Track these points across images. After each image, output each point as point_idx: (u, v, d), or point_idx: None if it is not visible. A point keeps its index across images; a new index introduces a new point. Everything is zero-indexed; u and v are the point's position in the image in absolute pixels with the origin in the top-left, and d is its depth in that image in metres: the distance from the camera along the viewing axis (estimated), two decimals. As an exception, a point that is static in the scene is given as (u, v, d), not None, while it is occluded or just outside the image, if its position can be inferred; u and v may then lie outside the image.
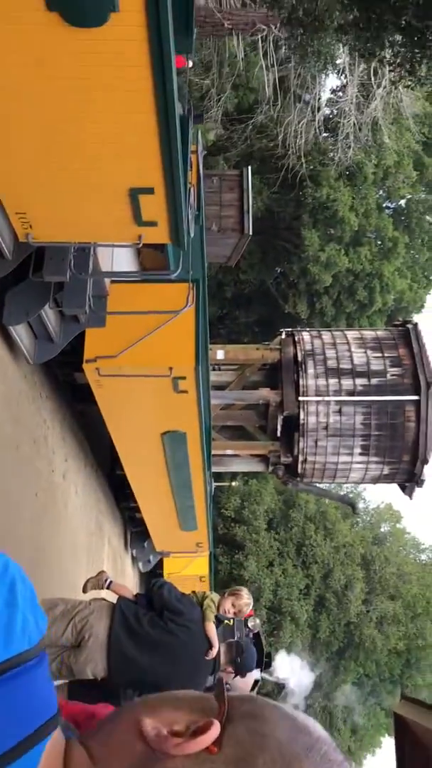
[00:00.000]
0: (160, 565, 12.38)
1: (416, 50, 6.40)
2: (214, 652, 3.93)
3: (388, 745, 26.64)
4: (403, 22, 5.96)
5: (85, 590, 4.19)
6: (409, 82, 7.09)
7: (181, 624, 3.88)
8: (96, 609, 3.94)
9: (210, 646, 3.91)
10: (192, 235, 4.85)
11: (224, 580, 22.44)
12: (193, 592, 4.18)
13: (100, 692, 4.07)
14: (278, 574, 23.26)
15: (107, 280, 5.43)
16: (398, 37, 7.08)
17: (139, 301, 5.57)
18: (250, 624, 15.28)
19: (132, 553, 11.74)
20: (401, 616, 24.41)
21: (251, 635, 15.30)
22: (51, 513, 6.71)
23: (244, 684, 4.26)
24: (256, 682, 15.80)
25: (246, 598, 4.26)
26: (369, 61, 7.60)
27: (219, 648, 3.99)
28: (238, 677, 4.17)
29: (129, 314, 5.46)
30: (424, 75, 6.76)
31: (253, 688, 15.57)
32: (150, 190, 3.61)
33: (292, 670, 19.29)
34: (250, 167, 12.76)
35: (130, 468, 7.72)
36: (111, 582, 4.12)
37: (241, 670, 4.15)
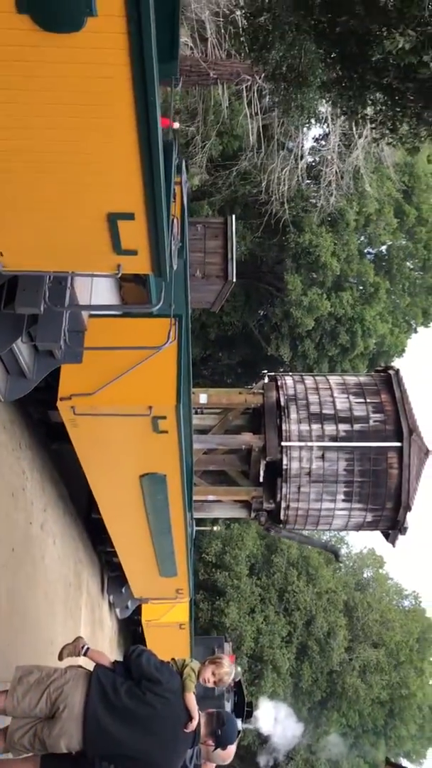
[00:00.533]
0: (138, 611, 11.97)
1: (397, 110, 6.52)
2: (193, 725, 3.75)
3: (371, 798, 25.97)
4: (385, 82, 6.07)
5: (60, 657, 4.01)
6: (391, 140, 7.21)
7: (160, 694, 3.70)
8: (72, 678, 3.76)
9: (190, 718, 3.75)
10: (175, 267, 4.61)
11: (205, 627, 22.01)
12: (173, 659, 4.02)
13: (73, 765, 3.87)
14: (260, 621, 22.87)
15: (85, 314, 5.18)
16: (380, 95, 7.22)
17: (118, 336, 5.29)
18: (230, 673, 15.11)
19: (109, 599, 11.36)
20: (384, 664, 24.03)
21: (232, 684, 14.95)
22: (28, 567, 6.51)
23: (225, 755, 4.07)
24: (237, 732, 15.50)
25: (227, 667, 4.10)
26: (351, 119, 7.72)
27: (199, 719, 3.82)
28: (219, 749, 3.99)
29: (107, 350, 5.17)
30: (405, 134, 6.88)
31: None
32: (130, 216, 3.34)
33: (276, 721, 18.87)
34: (234, 215, 12.90)
35: (107, 512, 7.30)
36: (88, 649, 3.95)
37: (221, 743, 3.97)
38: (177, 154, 5.44)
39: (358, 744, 24.77)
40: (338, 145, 16.42)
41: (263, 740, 21.65)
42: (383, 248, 21.44)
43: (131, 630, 13.89)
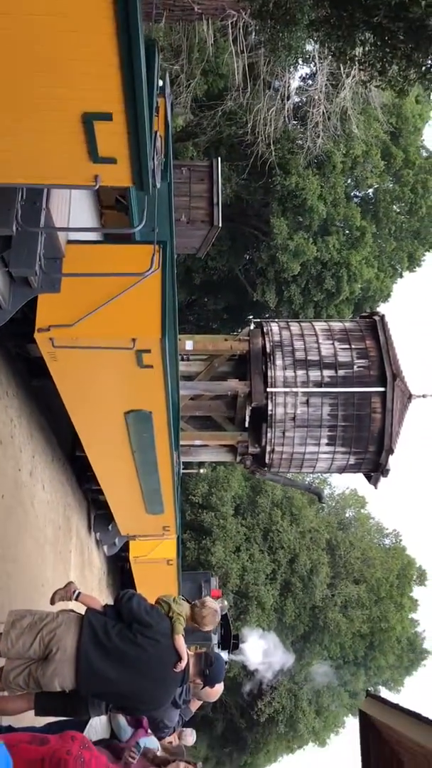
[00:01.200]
0: (125, 548, 11.88)
1: (387, 50, 6.38)
2: (182, 665, 3.95)
3: (351, 724, 27.23)
4: (375, 21, 5.93)
5: (53, 602, 4.17)
6: (379, 82, 7.07)
7: (150, 637, 3.88)
8: (64, 622, 3.92)
9: (179, 659, 3.94)
10: (158, 185, 4.31)
11: (192, 566, 22.59)
12: (159, 599, 4.18)
13: (67, 702, 4.08)
14: (245, 559, 23.47)
15: (63, 241, 4.84)
16: (369, 36, 7.06)
17: (98, 264, 4.96)
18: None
19: (96, 536, 11.33)
20: (365, 599, 24.85)
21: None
22: (18, 513, 6.66)
23: (212, 693, 4.30)
24: (224, 670, 16.07)
25: (210, 605, 4.29)
26: (340, 60, 7.54)
27: (188, 660, 4.02)
28: (207, 687, 4.21)
29: (86, 276, 4.85)
30: (394, 76, 6.75)
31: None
32: (107, 116, 2.99)
33: (263, 651, 19.49)
34: (219, 157, 12.68)
35: (91, 449, 7.04)
36: (79, 593, 4.11)
37: (209, 682, 4.18)
38: (159, 58, 4.97)
39: (339, 674, 25.82)
40: (325, 85, 16.06)
41: (249, 671, 22.50)
42: (370, 191, 21.20)
43: (119, 566, 13.90)
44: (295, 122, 18.25)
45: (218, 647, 15.41)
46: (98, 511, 10.73)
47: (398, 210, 21.33)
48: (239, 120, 17.55)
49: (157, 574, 11.84)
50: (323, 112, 16.64)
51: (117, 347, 4.85)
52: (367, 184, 20.23)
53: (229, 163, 18.24)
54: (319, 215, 18.50)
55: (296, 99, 17.95)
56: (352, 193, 20.87)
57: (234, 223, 19.71)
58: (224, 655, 15.93)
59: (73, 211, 5.05)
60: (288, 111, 16.99)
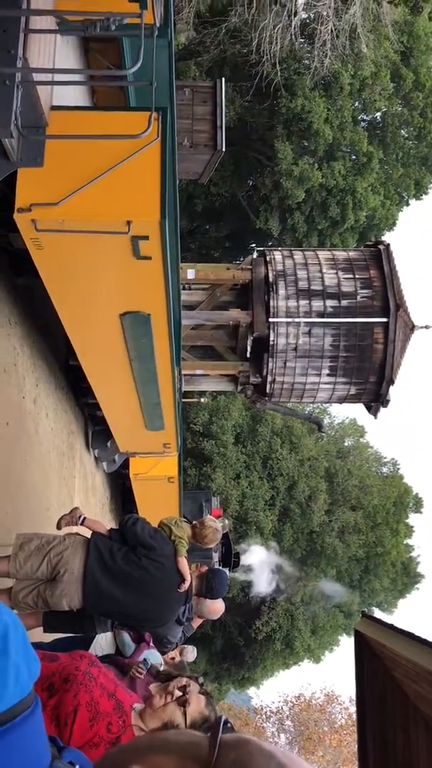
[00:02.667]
0: (125, 464, 11.49)
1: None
2: (186, 586, 4.11)
3: (345, 643, 28.37)
4: None
5: (59, 527, 4.30)
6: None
7: (154, 559, 4.02)
8: (70, 545, 4.06)
9: (182, 580, 4.09)
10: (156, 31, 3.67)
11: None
12: (161, 523, 4.31)
13: (75, 620, 4.26)
14: (244, 486, 23.93)
15: (46, 107, 4.13)
16: None
17: (86, 132, 4.27)
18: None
19: (94, 453, 10.89)
20: (362, 525, 25.46)
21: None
22: (23, 440, 6.76)
23: (215, 609, 4.49)
24: (226, 586, 16.59)
25: (210, 524, 4.42)
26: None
27: (191, 579, 4.18)
28: (209, 604, 4.39)
29: (73, 139, 4.20)
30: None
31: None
32: None
33: (264, 564, 20.06)
34: (223, 78, 12.25)
35: (85, 357, 6.42)
36: (84, 518, 4.23)
37: (213, 596, 4.37)
38: None
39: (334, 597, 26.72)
40: (335, 0, 15.33)
41: (250, 582, 23.26)
42: (378, 115, 20.56)
43: (120, 484, 13.68)
44: (302, 41, 17.54)
45: (219, 565, 15.77)
46: (96, 427, 10.28)
47: (406, 135, 20.75)
48: (244, 38, 16.85)
49: (158, 492, 11.58)
50: (332, 30, 15.96)
51: (109, 231, 4.20)
52: (375, 107, 19.62)
53: (233, 84, 17.64)
54: (325, 139, 18.01)
55: (303, 15, 17.17)
56: (359, 117, 20.26)
57: (237, 147, 19.19)
58: (227, 574, 16.43)
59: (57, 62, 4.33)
60: (295, 28, 16.27)
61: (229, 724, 0.85)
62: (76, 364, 6.79)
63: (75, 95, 5.36)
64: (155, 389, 7.10)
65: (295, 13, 15.67)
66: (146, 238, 4.25)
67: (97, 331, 5.78)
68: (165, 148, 4.28)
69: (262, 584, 21.23)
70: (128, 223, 4.15)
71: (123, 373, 6.52)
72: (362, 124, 20.43)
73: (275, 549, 23.12)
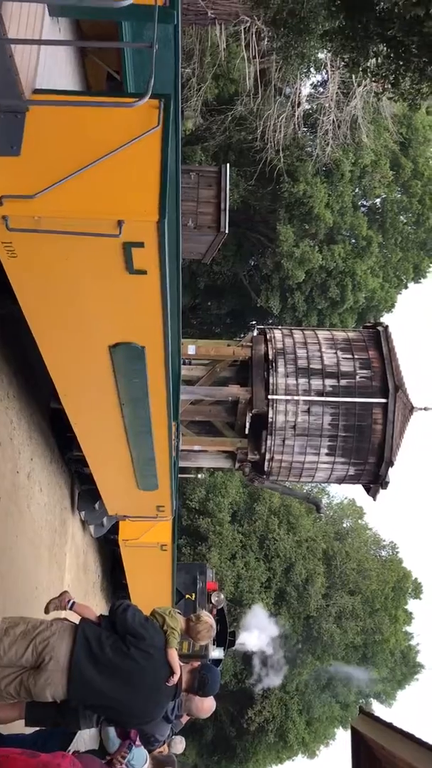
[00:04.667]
0: (115, 529, 10.45)
1: (400, 63, 6.34)
2: (175, 679, 3.90)
3: (341, 737, 27.11)
4: (389, 34, 5.89)
5: (47, 611, 4.11)
6: (392, 95, 7.04)
7: (144, 649, 3.83)
8: (58, 631, 3.87)
9: (172, 673, 3.88)
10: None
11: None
12: (154, 612, 4.12)
13: (58, 712, 4.01)
14: (240, 567, 23.40)
15: (27, 89, 3.65)
16: (383, 48, 7.02)
17: (77, 126, 3.60)
18: (213, 599, 15.25)
19: (80, 516, 9.97)
20: (360, 611, 24.76)
21: (215, 611, 15.15)
22: (14, 515, 6.60)
23: (205, 708, 4.25)
24: (218, 661, 15.83)
25: (206, 620, 4.24)
26: (353, 71, 7.50)
27: (181, 674, 3.96)
28: (198, 702, 4.16)
29: (57, 106, 3.62)
30: (407, 89, 6.72)
31: (216, 666, 15.52)
32: None
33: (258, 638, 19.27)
34: (228, 164, 12.64)
35: (68, 398, 5.41)
36: (74, 603, 4.05)
37: (204, 696, 4.14)
38: None
39: (332, 686, 25.72)
40: (336, 93, 16.05)
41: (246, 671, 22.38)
42: (377, 201, 21.19)
43: (109, 550, 12.54)
44: (304, 129, 18.26)
45: (213, 644, 15.02)
46: (83, 486, 9.39)
47: (405, 221, 21.32)
48: (249, 125, 17.54)
49: (149, 561, 10.64)
50: (333, 120, 16.63)
51: (96, 233, 3.43)
52: (374, 193, 20.23)
53: (238, 169, 18.24)
54: (326, 223, 18.48)
55: (307, 106, 17.95)
56: (359, 203, 20.86)
57: (240, 228, 19.68)
58: (219, 652, 15.66)
59: (46, 62, 3.88)
60: (298, 118, 16.98)
61: None
62: (59, 407, 5.75)
63: (64, 71, 4.64)
64: (149, 441, 6.12)
65: (299, 104, 16.37)
66: (141, 245, 3.53)
67: (83, 367, 4.87)
68: (166, 138, 3.60)
69: (261, 643, 20.36)
70: (119, 223, 3.40)
71: (112, 420, 5.57)
72: (362, 209, 21.02)
73: (274, 619, 22.34)
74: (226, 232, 12.03)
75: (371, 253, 19.82)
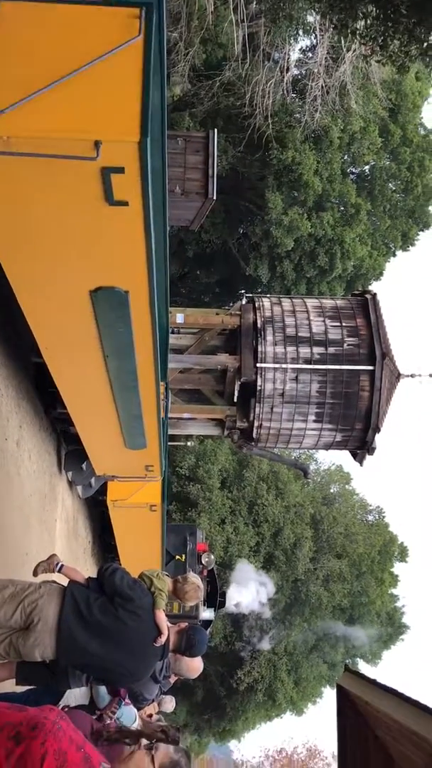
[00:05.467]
0: (103, 490, 10.15)
1: (389, 24, 6.29)
2: (162, 639, 4.02)
3: (328, 695, 27.79)
4: (377, -5, 5.84)
5: (35, 573, 4.21)
6: (380, 57, 6.98)
7: (132, 611, 3.94)
8: (46, 593, 3.97)
9: (159, 633, 4.00)
10: None
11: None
12: (142, 575, 4.23)
13: (48, 672, 4.14)
14: (230, 532, 23.69)
15: None
16: (372, 9, 6.95)
17: (49, 33, 3.21)
18: (204, 560, 15.41)
19: (68, 476, 9.75)
20: (347, 574, 25.19)
21: (205, 572, 15.32)
22: (4, 483, 6.69)
23: (193, 668, 4.39)
24: (209, 622, 16.05)
25: (193, 580, 4.35)
26: (342, 33, 7.41)
27: (169, 635, 4.08)
28: (187, 662, 4.29)
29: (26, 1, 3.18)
30: (395, 52, 6.66)
31: (206, 628, 15.73)
32: None
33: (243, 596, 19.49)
34: (216, 129, 12.52)
35: (49, 351, 5.05)
36: (62, 566, 4.15)
37: (191, 656, 4.27)
38: None
39: (319, 646, 26.27)
40: (325, 58, 15.85)
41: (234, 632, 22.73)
42: (366, 168, 21.07)
43: (98, 512, 12.45)
44: (293, 95, 18.05)
45: (204, 605, 15.17)
46: (70, 447, 9.19)
47: (394, 188, 21.24)
48: (237, 91, 17.32)
49: (138, 522, 10.41)
50: (322, 86, 16.45)
51: (71, 156, 3.05)
52: (363, 160, 20.10)
53: (226, 135, 18.05)
54: (315, 191, 18.39)
55: (295, 71, 17.73)
56: (348, 170, 20.74)
57: (228, 195, 19.55)
58: (210, 613, 15.85)
59: None
60: (287, 83, 16.78)
61: None
62: (40, 361, 5.40)
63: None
64: (136, 397, 5.75)
65: (287, 69, 16.17)
66: (121, 170, 3.14)
67: (63, 315, 4.48)
68: (149, 51, 3.21)
69: (251, 600, 20.65)
70: (96, 145, 3.01)
71: (96, 374, 5.22)
72: (351, 176, 20.91)
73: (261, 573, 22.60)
74: (214, 198, 11.98)
75: (360, 220, 19.77)
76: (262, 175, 18.90)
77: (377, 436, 13.79)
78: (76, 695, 4.90)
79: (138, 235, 3.56)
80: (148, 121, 3.07)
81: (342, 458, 32.92)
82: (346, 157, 20.02)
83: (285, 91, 17.01)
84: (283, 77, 16.59)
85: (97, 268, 3.94)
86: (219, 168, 14.74)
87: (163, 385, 7.23)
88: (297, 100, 18.19)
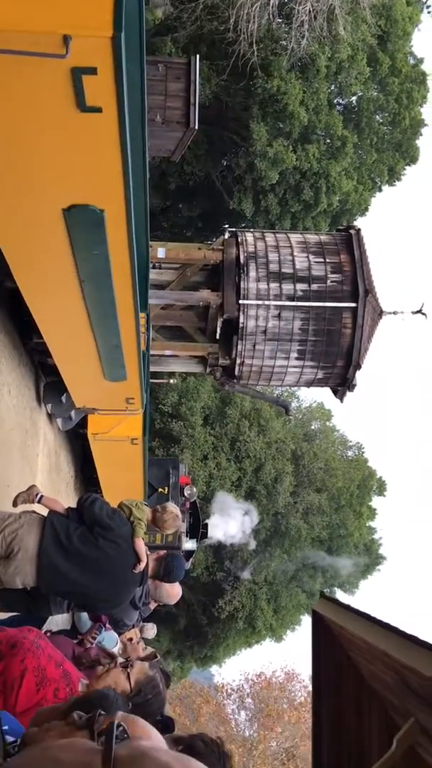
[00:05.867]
0: (84, 423, 10.01)
1: None
2: (141, 567, 4.12)
3: (306, 622, 28.79)
4: None
5: (15, 504, 4.27)
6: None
7: (111, 540, 4.02)
8: (26, 522, 4.03)
9: (138, 561, 4.10)
10: None
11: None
12: (121, 504, 4.30)
13: (30, 599, 4.24)
14: (212, 467, 24.02)
15: None
16: None
17: None
18: (186, 493, 15.64)
19: (47, 409, 9.51)
20: (326, 507, 25.77)
21: (188, 504, 15.59)
22: (-15, 416, 6.69)
23: (171, 594, 4.52)
24: (191, 552, 16.41)
25: (171, 510, 4.43)
26: None
27: (148, 562, 4.18)
28: (166, 589, 4.41)
29: None
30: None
31: (188, 558, 16.04)
32: None
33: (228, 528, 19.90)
34: (198, 55, 12.10)
35: (21, 274, 4.74)
36: (42, 496, 4.21)
37: (170, 582, 4.39)
38: None
39: (298, 576, 27.07)
40: (313, -21, 15.20)
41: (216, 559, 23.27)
42: (353, 99, 20.52)
43: (79, 446, 12.28)
44: (279, 21, 17.38)
45: (186, 536, 15.37)
46: (48, 379, 9.00)
47: (381, 120, 20.77)
48: (221, 15, 16.63)
49: (120, 455, 10.28)
50: (309, 11, 15.83)
51: (37, 52, 2.71)
52: (350, 91, 19.56)
53: (209, 62, 17.43)
54: (300, 122, 17.93)
55: (282, -6, 17.02)
56: (335, 101, 20.19)
57: (211, 126, 19.01)
58: (192, 544, 16.16)
59: None
60: (272, 7, 16.12)
61: (121, 727, 0.80)
62: (14, 286, 5.18)
63: None
64: (114, 325, 5.48)
65: (273, -8, 15.53)
66: (93, 71, 2.81)
67: (35, 236, 4.20)
68: None
69: (234, 530, 21.09)
70: (65, 40, 2.67)
71: (73, 301, 4.93)
72: (338, 107, 20.38)
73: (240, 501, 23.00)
74: (196, 128, 11.69)
75: (346, 153, 19.37)
76: (246, 104, 18.37)
77: (358, 373, 13.89)
78: (57, 621, 5.04)
79: (113, 146, 3.25)
80: (122, 14, 2.72)
81: (323, 395, 33.21)
82: (333, 87, 19.47)
83: (271, 16, 16.37)
84: (269, 0, 15.94)
85: (69, 184, 3.64)
86: (201, 96, 14.30)
87: (144, 317, 7.04)
88: (283, 26, 17.53)
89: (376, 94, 20.22)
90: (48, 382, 9.03)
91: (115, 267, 4.43)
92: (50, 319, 5.60)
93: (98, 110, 2.99)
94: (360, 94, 19.94)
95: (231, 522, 20.13)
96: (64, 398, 8.99)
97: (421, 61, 21.11)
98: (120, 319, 5.38)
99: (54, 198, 3.73)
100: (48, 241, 4.17)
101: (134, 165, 3.61)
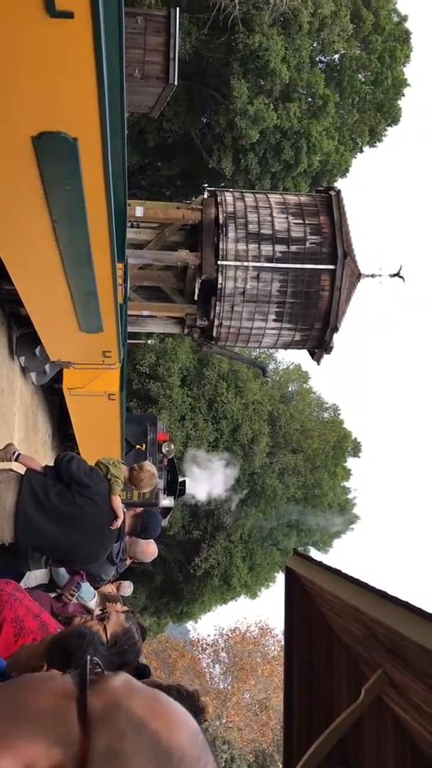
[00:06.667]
0: (59, 377, 9.60)
1: None
2: (118, 523, 4.19)
3: (280, 579, 29.35)
4: None
5: (-8, 463, 4.31)
6: None
7: (88, 497, 4.08)
8: (3, 480, 4.07)
9: (115, 518, 4.17)
10: None
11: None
12: (98, 462, 4.35)
13: (7, 554, 4.31)
14: (189, 428, 24.15)
15: None
16: None
17: None
18: (164, 450, 15.71)
19: (20, 362, 9.12)
20: (302, 467, 26.11)
21: (165, 461, 15.66)
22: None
23: (147, 551, 4.62)
24: (168, 509, 16.53)
25: (148, 468, 4.50)
26: None
27: (124, 519, 4.26)
28: (142, 546, 4.50)
29: None
30: None
31: (165, 515, 16.15)
32: None
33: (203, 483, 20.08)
34: (178, 8, 11.81)
35: None
36: (19, 454, 4.24)
37: (146, 538, 4.48)
38: None
39: (273, 535, 27.52)
40: None
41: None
42: (336, 57, 20.19)
43: (56, 401, 11.95)
44: (262, -28, 16.96)
45: (164, 493, 15.27)
46: (21, 330, 8.55)
47: (363, 80, 20.49)
48: (202, -35, 16.21)
49: (97, 411, 9.99)
50: (293, -37, 15.48)
51: None
52: (333, 48, 19.23)
53: (189, 16, 17.02)
54: (282, 79, 17.64)
55: None
56: (317, 58, 19.86)
57: (192, 82, 18.66)
58: (170, 501, 16.24)
59: None
60: (255, -42, 15.74)
61: (99, 668, 0.75)
62: None
63: None
64: (89, 272, 5.07)
65: None
66: None
67: (1, 167, 3.70)
68: None
69: (213, 486, 21.26)
70: None
71: (45, 244, 4.50)
72: (320, 65, 20.06)
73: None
74: (176, 83, 11.48)
75: (327, 113, 19.14)
76: (227, 60, 18.01)
77: (335, 336, 13.98)
78: (36, 576, 5.12)
79: (86, 61, 2.81)
80: None
81: (300, 357, 33.37)
82: (315, 44, 19.14)
83: (253, -32, 15.98)
84: None
85: (38, 106, 3.17)
86: (182, 52, 14.01)
87: (122, 267, 6.73)
88: (266, -22, 17.11)
89: (358, 52, 19.93)
90: (21, 334, 8.57)
91: (90, 205, 4.00)
92: (21, 263, 5.17)
93: (69, 15, 2.58)
94: (342, 51, 19.63)
95: (213, 475, 20.31)
96: (38, 351, 8.69)
97: (404, 18, 20.79)
98: (96, 265, 4.95)
99: (21, 122, 3.28)
100: (16, 175, 3.71)
101: (110, 86, 3.15)
